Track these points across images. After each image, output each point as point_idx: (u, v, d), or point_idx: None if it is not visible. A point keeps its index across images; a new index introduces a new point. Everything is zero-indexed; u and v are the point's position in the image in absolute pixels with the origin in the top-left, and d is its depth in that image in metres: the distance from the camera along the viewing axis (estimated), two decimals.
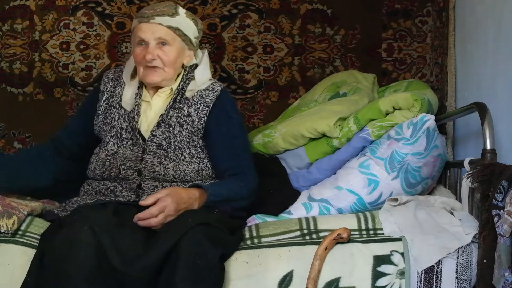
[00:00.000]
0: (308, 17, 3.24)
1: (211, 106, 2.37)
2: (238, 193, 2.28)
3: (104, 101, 2.44)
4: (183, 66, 2.42)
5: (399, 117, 2.47)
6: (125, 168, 2.29)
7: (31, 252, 2.05)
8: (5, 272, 2.05)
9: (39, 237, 2.09)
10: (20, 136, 3.24)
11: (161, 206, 2.08)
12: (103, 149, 2.37)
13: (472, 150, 2.59)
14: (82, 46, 3.25)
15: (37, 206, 2.29)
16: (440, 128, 2.64)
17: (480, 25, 2.58)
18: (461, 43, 2.82)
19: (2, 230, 2.08)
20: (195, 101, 2.38)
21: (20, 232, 2.13)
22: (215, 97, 2.38)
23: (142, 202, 2.09)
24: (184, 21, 2.38)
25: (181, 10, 2.39)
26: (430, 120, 2.37)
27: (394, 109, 2.50)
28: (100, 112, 2.43)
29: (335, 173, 2.53)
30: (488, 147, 2.18)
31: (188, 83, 2.41)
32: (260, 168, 2.46)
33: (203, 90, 2.40)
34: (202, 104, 2.37)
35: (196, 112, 2.36)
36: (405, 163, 2.37)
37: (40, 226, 2.17)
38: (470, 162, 2.23)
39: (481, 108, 2.25)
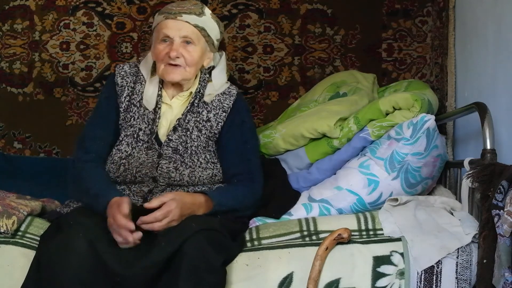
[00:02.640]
0: (308, 17, 3.24)
1: (228, 111, 2.36)
2: (243, 203, 2.27)
3: (125, 97, 2.35)
4: (201, 67, 2.39)
5: (399, 117, 2.47)
6: (141, 175, 2.25)
7: (31, 253, 2.05)
8: (4, 273, 2.05)
9: (38, 238, 2.09)
10: (20, 136, 3.25)
11: (166, 210, 2.05)
12: (116, 149, 2.31)
13: (472, 150, 2.59)
14: (82, 46, 3.25)
15: (37, 206, 2.29)
16: (440, 128, 2.64)
17: (480, 25, 2.57)
18: (461, 43, 2.82)
19: (2, 230, 2.08)
20: (214, 106, 2.36)
21: (19, 233, 2.13)
22: (232, 101, 2.37)
23: (147, 205, 2.06)
24: (210, 22, 2.35)
25: (207, 11, 2.37)
26: (430, 120, 2.37)
27: (394, 109, 2.50)
28: (122, 109, 2.34)
29: (335, 174, 2.53)
30: (488, 147, 2.18)
31: (205, 86, 2.38)
32: None
33: (221, 94, 2.38)
34: (220, 109, 2.35)
35: (215, 117, 2.34)
36: (405, 163, 2.37)
37: (40, 227, 2.17)
38: (470, 162, 2.23)
39: (481, 108, 2.25)
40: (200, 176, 2.28)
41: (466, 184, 2.20)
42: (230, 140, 2.35)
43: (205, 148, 2.32)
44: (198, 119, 2.33)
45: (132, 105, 2.35)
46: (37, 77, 3.25)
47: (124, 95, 2.35)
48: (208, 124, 2.34)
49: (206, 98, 2.36)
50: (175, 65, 2.28)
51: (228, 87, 2.42)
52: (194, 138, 2.32)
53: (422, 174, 2.40)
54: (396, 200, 2.32)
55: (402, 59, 3.23)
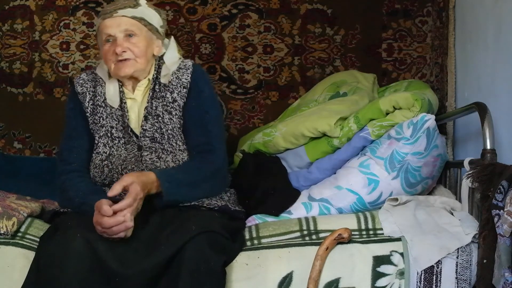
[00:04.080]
0: (308, 17, 3.25)
1: (188, 86, 2.34)
2: (198, 174, 2.22)
3: (88, 102, 2.36)
4: (153, 56, 2.38)
5: (399, 117, 2.47)
6: (127, 171, 2.25)
7: (31, 254, 2.05)
8: (4, 275, 2.05)
9: (38, 240, 2.09)
10: (20, 136, 3.25)
11: (134, 194, 2.03)
12: (95, 153, 2.31)
13: (472, 150, 2.59)
14: (82, 46, 3.26)
15: (37, 207, 2.29)
16: (440, 128, 2.64)
17: (480, 25, 2.57)
18: (461, 43, 2.82)
19: (2, 232, 2.08)
20: (174, 85, 2.34)
21: (19, 234, 2.13)
22: (189, 75, 2.35)
23: (110, 194, 2.03)
24: (147, 11, 2.36)
25: (142, 1, 2.37)
26: (430, 120, 2.37)
27: (395, 108, 2.50)
28: (88, 113, 2.35)
29: (335, 173, 2.53)
30: (488, 147, 2.18)
31: (160, 71, 2.37)
32: (260, 168, 2.45)
33: (176, 70, 2.36)
34: (181, 86, 2.33)
35: (179, 96, 2.32)
36: (405, 163, 2.37)
37: (39, 228, 2.18)
38: (470, 162, 2.23)
39: (481, 108, 2.25)
40: (182, 159, 2.27)
41: (466, 184, 2.20)
42: (189, 112, 2.32)
43: (180, 128, 2.31)
44: (165, 103, 2.32)
45: (98, 107, 2.36)
46: (37, 77, 3.25)
47: (87, 100, 2.37)
48: (176, 104, 2.32)
49: (163, 80, 2.34)
50: (124, 59, 2.28)
51: (182, 61, 2.39)
52: (167, 122, 2.31)
53: (422, 174, 2.40)
54: (396, 200, 2.32)
55: (402, 59, 3.23)
